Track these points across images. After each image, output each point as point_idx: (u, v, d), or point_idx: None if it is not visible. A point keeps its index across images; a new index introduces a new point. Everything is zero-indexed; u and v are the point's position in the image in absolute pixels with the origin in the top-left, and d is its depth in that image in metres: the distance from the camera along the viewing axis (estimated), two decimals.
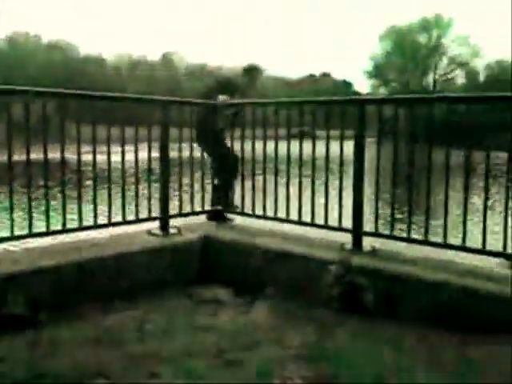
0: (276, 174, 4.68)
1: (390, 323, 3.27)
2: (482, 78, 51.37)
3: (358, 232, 4.14)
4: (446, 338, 3.05)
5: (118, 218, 4.40)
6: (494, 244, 3.65)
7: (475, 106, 3.83)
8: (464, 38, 51.78)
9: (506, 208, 3.56)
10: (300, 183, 4.45)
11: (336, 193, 4.32)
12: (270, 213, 4.73)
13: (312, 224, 4.47)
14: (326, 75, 62.74)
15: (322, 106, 4.74)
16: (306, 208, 4.45)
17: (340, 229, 4.30)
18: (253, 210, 4.87)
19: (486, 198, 3.66)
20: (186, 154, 4.81)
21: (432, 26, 53.92)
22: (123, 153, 4.32)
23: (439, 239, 3.87)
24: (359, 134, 4.10)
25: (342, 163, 4.25)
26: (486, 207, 3.66)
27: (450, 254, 3.90)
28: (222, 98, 5.19)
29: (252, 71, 49.24)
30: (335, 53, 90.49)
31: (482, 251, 3.65)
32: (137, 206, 4.48)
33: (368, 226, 4.20)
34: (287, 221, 4.59)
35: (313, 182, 4.41)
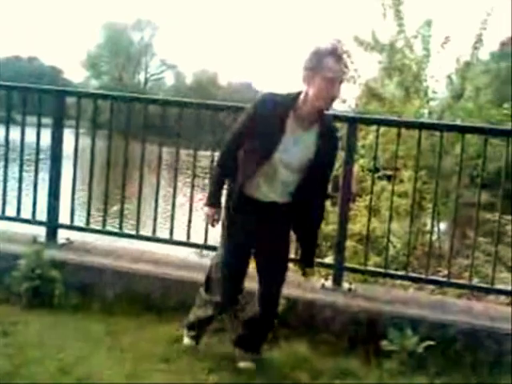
0: None
1: (81, 314, 3.29)
2: (188, 81, 54.60)
3: (52, 224, 4.03)
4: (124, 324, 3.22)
5: None
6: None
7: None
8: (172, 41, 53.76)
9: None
10: None
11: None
12: None
13: (2, 217, 4.21)
14: (33, 59, 58.31)
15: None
16: None
17: (33, 221, 4.14)
18: None
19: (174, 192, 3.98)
20: None
21: (144, 26, 55.09)
22: None
23: (133, 231, 4.05)
24: (57, 123, 4.00)
25: (38, 152, 4.10)
26: (174, 202, 3.97)
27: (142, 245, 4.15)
28: None
29: None
30: (45, 37, 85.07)
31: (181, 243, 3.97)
32: None
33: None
34: None
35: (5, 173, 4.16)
